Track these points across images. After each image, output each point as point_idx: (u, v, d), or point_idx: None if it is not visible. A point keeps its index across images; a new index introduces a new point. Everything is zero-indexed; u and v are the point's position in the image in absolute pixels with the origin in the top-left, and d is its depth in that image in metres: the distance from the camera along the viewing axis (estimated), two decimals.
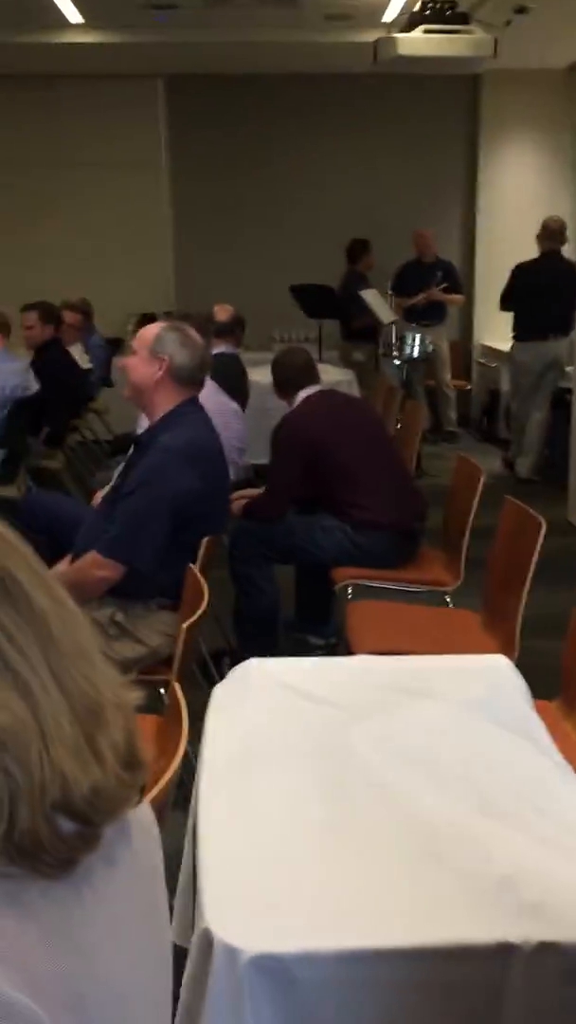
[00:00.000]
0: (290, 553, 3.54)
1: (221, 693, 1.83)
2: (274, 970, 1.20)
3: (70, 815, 0.78)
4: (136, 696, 0.90)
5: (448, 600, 3.32)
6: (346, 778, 1.55)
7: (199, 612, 2.21)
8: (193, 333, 2.86)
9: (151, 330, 2.84)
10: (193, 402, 2.85)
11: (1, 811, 0.75)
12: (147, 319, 5.66)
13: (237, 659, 2.14)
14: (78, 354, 6.25)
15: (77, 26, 6.78)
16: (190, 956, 1.29)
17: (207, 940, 1.23)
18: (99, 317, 7.21)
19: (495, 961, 1.23)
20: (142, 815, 0.93)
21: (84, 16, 6.54)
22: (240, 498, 3.59)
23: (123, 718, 0.85)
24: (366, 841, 1.41)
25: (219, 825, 1.44)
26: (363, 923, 1.27)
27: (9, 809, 0.75)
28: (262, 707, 1.77)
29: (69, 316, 6.30)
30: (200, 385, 2.89)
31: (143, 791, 0.89)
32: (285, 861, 1.37)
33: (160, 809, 1.48)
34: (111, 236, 8.32)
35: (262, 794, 1.51)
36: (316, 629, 3.88)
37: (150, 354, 2.77)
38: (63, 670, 0.79)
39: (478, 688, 1.92)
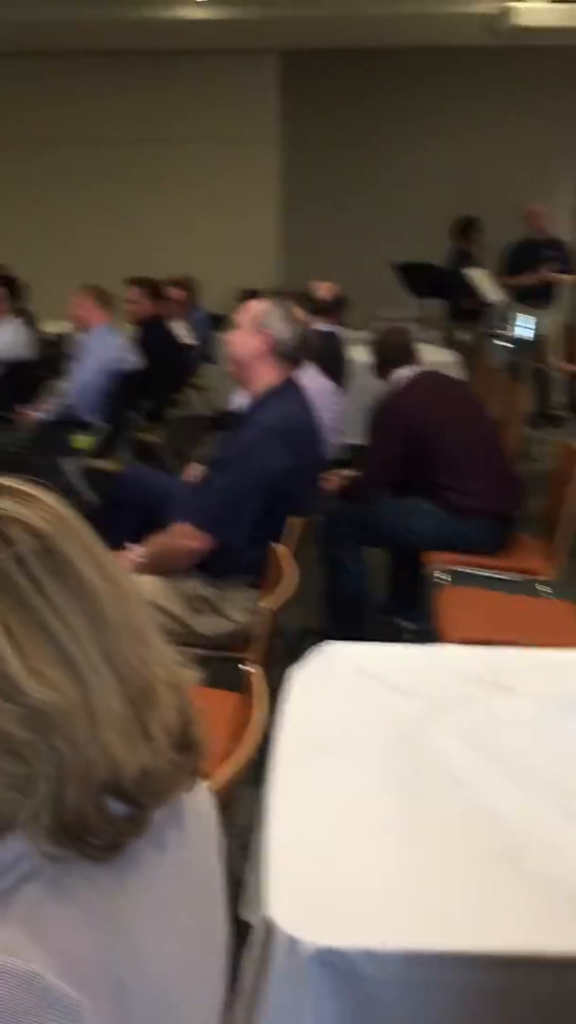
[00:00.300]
0: (381, 535, 3.49)
1: (298, 676, 1.80)
2: (336, 965, 1.17)
3: (119, 797, 0.76)
4: (193, 676, 0.87)
5: (545, 590, 3.21)
6: (422, 772, 1.49)
7: (282, 592, 2.18)
8: (297, 310, 2.86)
9: (255, 305, 2.85)
10: (292, 380, 2.83)
11: (49, 790, 0.73)
12: (251, 295, 5.64)
13: (324, 639, 2.11)
14: (182, 330, 6.28)
15: (193, 2, 6.78)
16: (253, 941, 1.27)
17: (269, 929, 1.20)
18: (204, 293, 7.24)
19: (569, 973, 1.17)
20: (198, 799, 0.91)
21: None
22: (335, 478, 3.57)
23: (178, 698, 0.83)
24: (439, 839, 1.36)
25: (288, 812, 1.41)
26: (432, 924, 1.22)
27: (57, 789, 0.73)
28: (339, 693, 1.72)
29: (173, 292, 6.34)
30: (299, 363, 2.87)
31: (198, 774, 0.86)
32: (353, 854, 1.33)
33: (230, 789, 1.46)
34: (219, 212, 8.35)
35: (333, 783, 1.47)
36: (408, 613, 3.81)
37: (252, 328, 2.77)
38: (114, 649, 0.77)
39: (571, 685, 1.84)
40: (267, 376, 2.78)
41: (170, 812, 0.84)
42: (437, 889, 1.28)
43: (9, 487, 0.79)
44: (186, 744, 0.83)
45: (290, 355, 2.79)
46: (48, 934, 0.72)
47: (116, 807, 0.76)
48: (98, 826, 0.75)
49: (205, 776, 0.92)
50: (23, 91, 8.36)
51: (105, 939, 0.74)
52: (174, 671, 0.84)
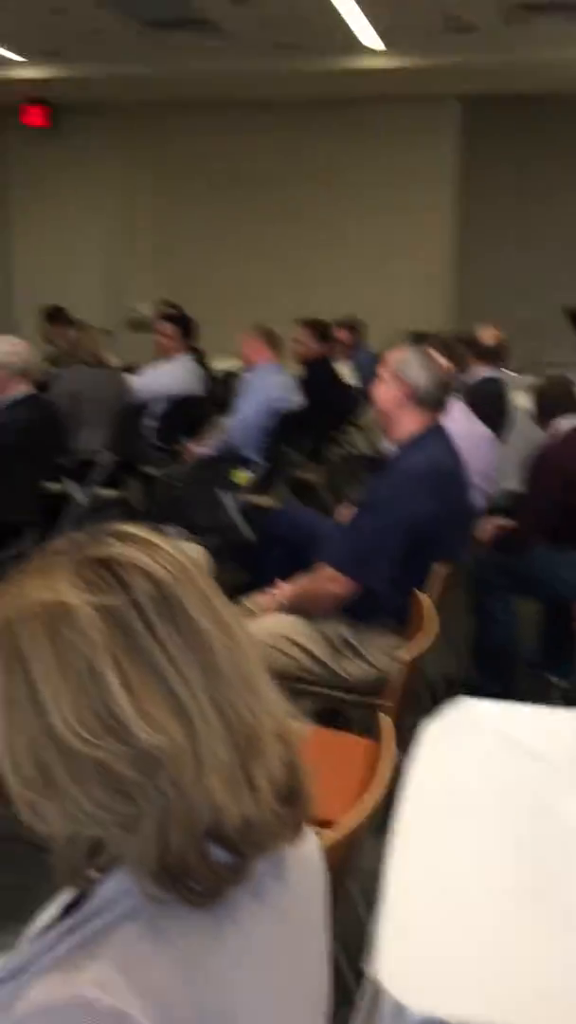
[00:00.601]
0: (532, 586, 3.40)
1: (430, 730, 1.77)
2: None
3: (220, 844, 0.77)
4: (303, 728, 0.88)
5: None
6: (550, 844, 1.43)
7: (422, 640, 2.15)
8: (437, 356, 2.86)
9: (395, 354, 2.86)
10: (436, 425, 2.82)
11: (154, 831, 0.75)
12: (418, 338, 5.65)
13: (470, 690, 2.07)
14: (345, 370, 6.35)
15: (375, 51, 6.91)
16: (361, 997, 1.25)
17: (377, 990, 1.18)
18: (374, 334, 7.30)
19: None
20: (304, 852, 0.90)
21: (384, 42, 6.64)
22: (489, 526, 3.51)
23: (285, 750, 0.83)
24: (563, 917, 1.30)
25: (406, 871, 1.38)
26: (549, 1005, 1.16)
27: (162, 830, 0.75)
28: (470, 751, 1.68)
29: (340, 333, 6.42)
30: (441, 409, 2.85)
31: (302, 827, 0.86)
32: (471, 921, 1.29)
33: (355, 835, 1.45)
34: (393, 254, 8.42)
35: (456, 845, 1.44)
36: (559, 668, 3.68)
37: (393, 377, 2.78)
38: (223, 697, 0.79)
39: None
40: (409, 424, 2.77)
41: (273, 864, 0.84)
42: (555, 968, 1.22)
43: (133, 535, 0.82)
44: (291, 796, 0.83)
45: (431, 401, 2.78)
46: (140, 974, 0.73)
47: (218, 854, 0.77)
48: (199, 871, 0.76)
49: (324, 824, 0.92)
50: (204, 135, 8.73)
51: (197, 984, 0.75)
52: (283, 722, 0.85)
